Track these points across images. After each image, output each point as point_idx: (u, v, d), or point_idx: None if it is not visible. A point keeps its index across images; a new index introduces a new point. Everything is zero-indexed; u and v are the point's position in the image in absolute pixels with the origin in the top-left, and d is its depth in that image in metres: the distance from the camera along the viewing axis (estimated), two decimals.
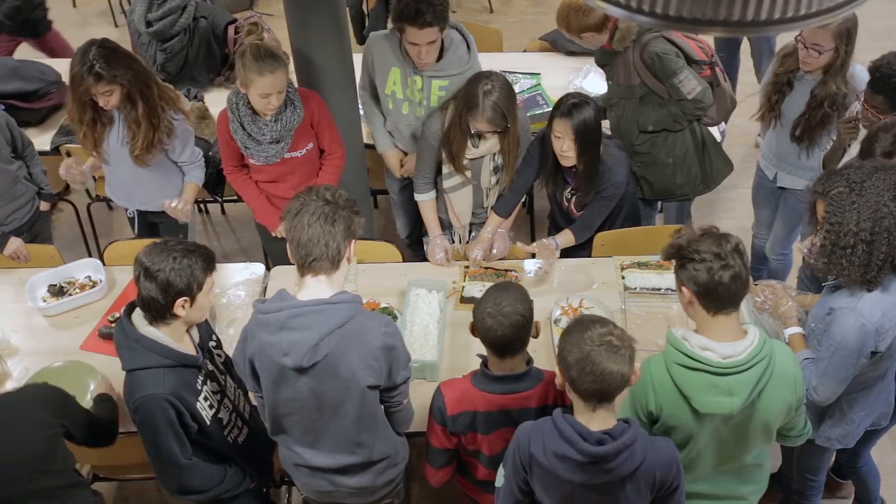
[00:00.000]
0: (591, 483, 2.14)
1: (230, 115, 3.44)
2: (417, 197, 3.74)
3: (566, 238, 3.53)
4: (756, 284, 3.04)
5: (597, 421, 2.12)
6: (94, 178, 3.96)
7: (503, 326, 2.34)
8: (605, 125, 4.21)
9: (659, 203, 4.30)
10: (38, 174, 3.93)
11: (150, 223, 3.86)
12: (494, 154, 3.52)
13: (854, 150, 3.30)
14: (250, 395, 2.60)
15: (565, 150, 3.28)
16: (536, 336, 2.46)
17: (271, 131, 3.40)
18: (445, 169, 3.59)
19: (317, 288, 2.31)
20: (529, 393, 2.45)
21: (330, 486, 2.63)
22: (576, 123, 3.20)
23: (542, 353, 3.15)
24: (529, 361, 2.48)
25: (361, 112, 3.91)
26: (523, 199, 4.08)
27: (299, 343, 2.25)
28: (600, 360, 2.03)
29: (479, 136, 3.43)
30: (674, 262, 2.28)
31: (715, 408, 2.24)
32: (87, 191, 4.60)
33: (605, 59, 3.75)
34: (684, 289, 2.25)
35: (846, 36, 3.33)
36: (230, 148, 3.56)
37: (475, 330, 2.46)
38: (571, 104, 3.22)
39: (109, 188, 3.85)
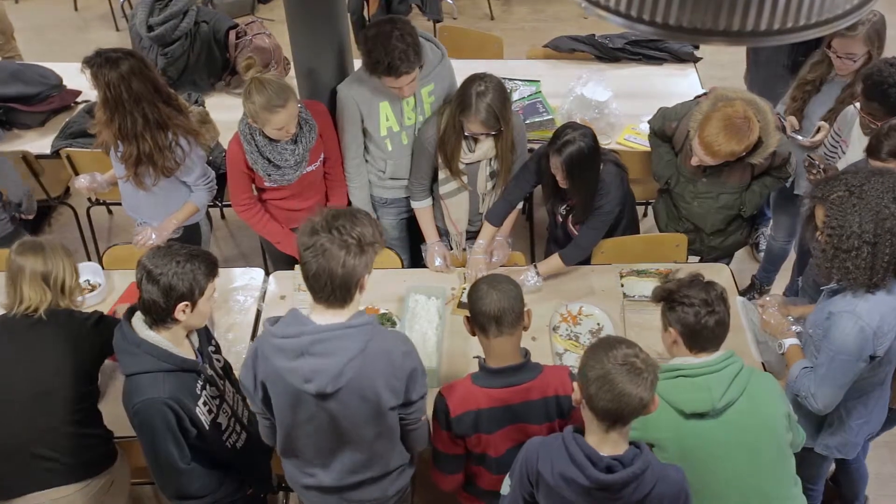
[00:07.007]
0: None
1: (246, 147, 3.34)
2: (414, 204, 3.73)
3: (551, 265, 3.51)
4: (759, 305, 3.06)
5: (608, 444, 2.09)
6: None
7: (497, 292, 2.42)
8: (606, 133, 4.21)
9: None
10: (11, 195, 3.80)
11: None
12: (490, 159, 3.51)
13: (851, 155, 3.32)
14: (257, 416, 2.55)
15: (560, 180, 3.33)
16: (527, 327, 2.50)
17: (293, 155, 3.34)
18: (442, 174, 3.58)
19: (335, 313, 2.26)
20: (530, 384, 2.46)
21: (342, 503, 2.61)
22: (565, 159, 3.21)
23: (540, 360, 3.14)
24: (526, 355, 2.51)
25: (349, 182, 3.69)
26: (522, 206, 4.06)
27: (323, 370, 2.21)
28: (620, 379, 2.00)
29: (475, 139, 3.43)
30: (662, 303, 2.45)
31: (697, 403, 2.35)
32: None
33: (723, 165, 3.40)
34: (671, 329, 2.42)
35: (876, 38, 3.36)
36: (243, 180, 3.48)
37: (470, 321, 2.50)
38: (564, 141, 3.21)
39: (125, 202, 3.76)
